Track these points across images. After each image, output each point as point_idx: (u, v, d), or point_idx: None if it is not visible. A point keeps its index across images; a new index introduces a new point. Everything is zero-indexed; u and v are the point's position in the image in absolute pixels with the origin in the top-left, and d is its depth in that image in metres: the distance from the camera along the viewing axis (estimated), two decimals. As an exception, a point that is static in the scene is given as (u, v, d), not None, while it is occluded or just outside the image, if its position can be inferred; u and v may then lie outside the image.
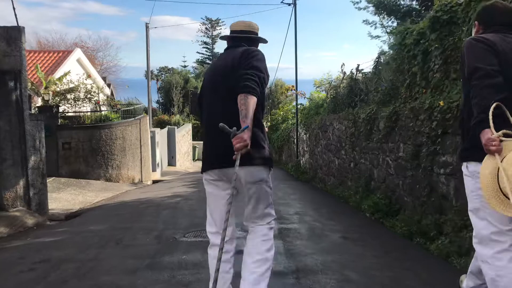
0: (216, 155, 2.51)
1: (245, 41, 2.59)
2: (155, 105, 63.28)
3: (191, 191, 9.86)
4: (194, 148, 28.91)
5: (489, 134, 2.00)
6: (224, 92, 2.43)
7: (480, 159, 2.12)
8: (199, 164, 27.12)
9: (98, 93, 14.17)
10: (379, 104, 6.89)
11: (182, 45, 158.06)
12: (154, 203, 8.05)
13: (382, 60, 8.34)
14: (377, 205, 6.10)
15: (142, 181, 13.38)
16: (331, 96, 11.11)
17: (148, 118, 14.51)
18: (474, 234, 2.32)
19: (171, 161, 19.00)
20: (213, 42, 63.75)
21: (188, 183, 12.05)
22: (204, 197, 2.86)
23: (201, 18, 71.15)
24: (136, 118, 13.33)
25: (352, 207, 7.22)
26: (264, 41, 2.74)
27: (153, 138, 14.90)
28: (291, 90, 14.98)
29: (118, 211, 7.52)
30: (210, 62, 61.73)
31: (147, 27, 17.32)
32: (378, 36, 16.37)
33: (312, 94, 15.29)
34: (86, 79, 14.25)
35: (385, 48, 12.58)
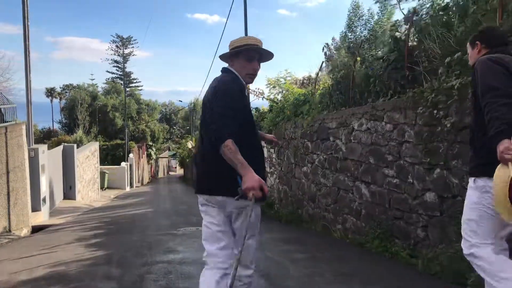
0: (205, 181, 2.42)
1: (225, 59, 2.54)
2: (57, 126, 55.32)
3: (88, 259, 4.97)
4: (103, 174, 23.10)
5: (507, 144, 2.02)
6: (204, 133, 2.43)
7: (491, 175, 2.15)
8: (109, 193, 21.46)
9: None
10: None
11: (90, 67, 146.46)
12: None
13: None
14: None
15: (10, 230, 8.01)
16: (331, 85, 6.94)
17: (25, 127, 9.16)
18: (462, 242, 2.46)
19: (69, 193, 13.53)
20: (125, 61, 57.83)
21: (90, 234, 7.05)
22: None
23: (111, 36, 64.85)
24: None
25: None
26: (231, 52, 2.48)
27: (34, 159, 9.57)
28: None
29: None
30: (121, 81, 55.75)
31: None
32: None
33: (280, 90, 11.03)
34: None
35: None
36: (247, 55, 2.44)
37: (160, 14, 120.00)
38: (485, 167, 2.26)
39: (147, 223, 8.13)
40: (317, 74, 7.88)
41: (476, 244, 2.37)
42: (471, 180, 2.40)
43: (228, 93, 2.28)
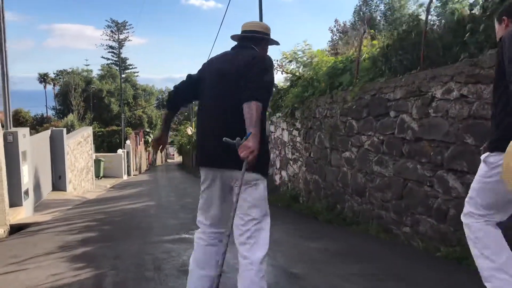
0: (210, 155, 2.42)
1: (254, 40, 2.58)
2: (51, 113, 53.35)
3: (69, 287, 3.43)
4: (97, 162, 21.52)
5: None
6: (228, 94, 2.37)
7: (504, 150, 2.15)
8: (105, 182, 19.85)
9: None
10: None
11: (85, 54, 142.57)
12: None
13: None
14: None
15: (-19, 232, 6.49)
16: (386, 45, 5.34)
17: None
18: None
19: (59, 183, 11.97)
20: (120, 46, 55.83)
21: (77, 238, 5.51)
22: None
23: (106, 21, 62.53)
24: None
25: None
26: (276, 43, 2.69)
27: (12, 145, 7.98)
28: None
29: None
30: (116, 67, 53.73)
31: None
32: None
33: (298, 65, 9.43)
34: None
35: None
36: (268, 44, 2.67)
37: (155, 1, 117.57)
38: (499, 142, 2.27)
39: (150, 223, 6.60)
40: (364, 32, 6.26)
41: (469, 213, 2.49)
42: (484, 154, 2.42)
43: (271, 69, 2.39)
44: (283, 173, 9.10)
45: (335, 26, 24.68)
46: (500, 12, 2.54)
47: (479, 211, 2.42)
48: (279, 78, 11.19)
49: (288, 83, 9.39)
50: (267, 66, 2.36)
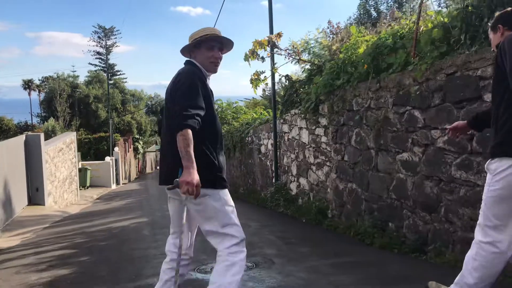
0: (163, 174, 2.52)
1: (186, 51, 2.59)
2: (36, 120, 51.19)
3: None
4: (83, 170, 19.87)
5: None
6: (167, 119, 2.48)
7: (505, 154, 2.21)
8: (92, 193, 18.03)
9: None
10: None
11: (72, 61, 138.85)
12: None
13: None
14: None
15: None
16: (464, 6, 3.90)
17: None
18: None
19: (35, 196, 10.34)
20: (108, 52, 53.99)
21: (44, 279, 3.95)
22: None
23: (93, 27, 60.63)
24: None
25: None
26: (191, 44, 2.55)
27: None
28: (258, 47, 7.40)
29: None
30: (104, 73, 51.85)
31: None
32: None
33: (310, 57, 7.98)
34: None
35: None
36: (207, 44, 2.52)
37: (142, 7, 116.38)
38: (502, 146, 2.24)
39: (145, 250, 5.06)
40: (421, 1, 4.81)
41: (479, 225, 2.46)
42: (488, 162, 2.37)
43: (189, 85, 2.33)
44: (302, 180, 7.62)
45: (328, 28, 23.36)
46: (494, 21, 2.52)
47: (490, 222, 2.37)
48: (292, 70, 9.70)
49: (305, 74, 7.93)
50: (181, 82, 2.36)
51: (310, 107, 6.81)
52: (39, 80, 58.73)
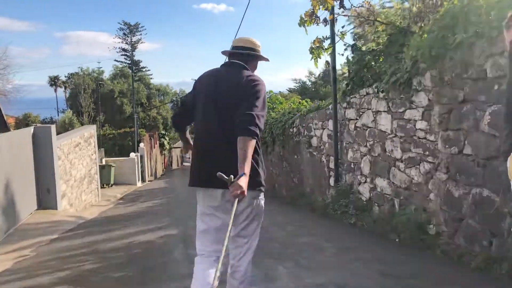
0: (206, 174, 2.40)
1: (245, 57, 2.58)
2: (61, 116, 50.65)
3: None
4: (107, 167, 18.48)
5: None
6: (224, 114, 2.39)
7: None
8: (116, 191, 16.15)
9: None
10: None
11: (99, 60, 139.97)
12: None
13: None
14: None
15: None
16: None
17: None
18: None
19: (47, 199, 8.81)
20: (133, 49, 52.85)
21: None
22: None
23: (118, 23, 59.73)
24: None
25: None
26: (265, 59, 2.69)
27: None
28: None
29: None
30: (129, 70, 50.76)
31: None
32: None
33: (375, 29, 6.09)
34: None
35: None
36: (257, 61, 2.67)
37: (166, 5, 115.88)
38: None
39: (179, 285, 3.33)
40: None
41: None
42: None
43: (265, 96, 2.40)
44: (380, 181, 5.75)
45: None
46: (507, 20, 2.29)
47: None
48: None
49: (383, 40, 6.03)
50: (260, 89, 2.38)
51: (400, 81, 4.92)
52: (65, 76, 58.43)
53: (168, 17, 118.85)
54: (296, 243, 4.81)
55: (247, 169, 2.14)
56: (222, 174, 2.14)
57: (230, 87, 2.40)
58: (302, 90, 33.47)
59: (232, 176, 2.13)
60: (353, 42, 6.64)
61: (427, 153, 4.69)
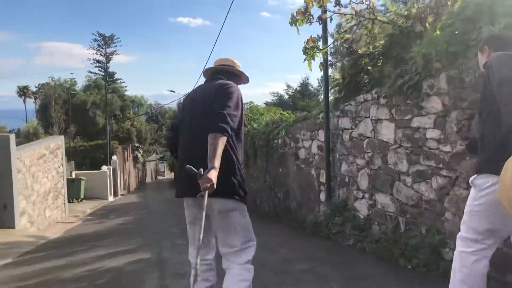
0: (189, 184, 2.43)
1: (224, 74, 2.66)
2: (29, 129, 48.55)
3: None
4: (77, 181, 17.38)
5: None
6: (201, 123, 2.44)
7: (491, 171, 2.16)
8: (85, 207, 14.34)
9: None
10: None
11: (73, 72, 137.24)
12: None
13: None
14: None
15: None
16: None
17: None
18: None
19: (3, 216, 7.80)
20: (108, 60, 51.61)
21: None
22: None
23: (93, 34, 58.43)
24: None
25: None
26: (246, 79, 2.81)
27: None
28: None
29: None
30: (103, 81, 49.36)
31: None
32: None
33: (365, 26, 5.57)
34: None
35: None
36: (239, 80, 2.78)
37: (142, 19, 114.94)
38: (489, 163, 2.22)
39: None
40: None
41: (462, 237, 2.43)
42: (472, 177, 2.36)
43: (237, 96, 2.46)
44: (381, 197, 5.14)
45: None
46: (481, 43, 2.55)
47: (471, 235, 2.36)
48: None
49: (383, 42, 5.48)
50: (232, 91, 2.44)
51: (408, 84, 4.35)
52: (35, 87, 56.35)
53: (144, 31, 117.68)
54: (293, 271, 4.11)
55: (216, 163, 2.16)
56: (191, 167, 2.18)
57: (205, 96, 2.51)
58: (280, 104, 33.05)
59: (201, 169, 2.17)
60: (349, 45, 6.07)
61: (441, 165, 4.11)
